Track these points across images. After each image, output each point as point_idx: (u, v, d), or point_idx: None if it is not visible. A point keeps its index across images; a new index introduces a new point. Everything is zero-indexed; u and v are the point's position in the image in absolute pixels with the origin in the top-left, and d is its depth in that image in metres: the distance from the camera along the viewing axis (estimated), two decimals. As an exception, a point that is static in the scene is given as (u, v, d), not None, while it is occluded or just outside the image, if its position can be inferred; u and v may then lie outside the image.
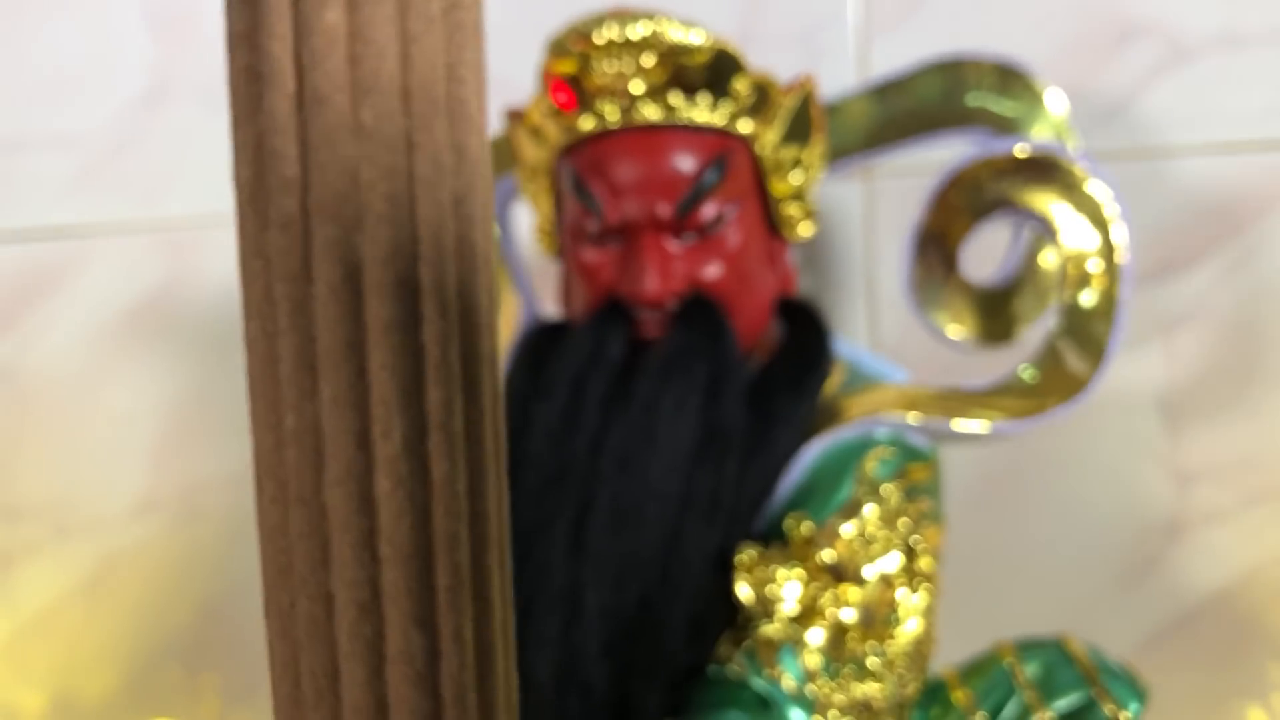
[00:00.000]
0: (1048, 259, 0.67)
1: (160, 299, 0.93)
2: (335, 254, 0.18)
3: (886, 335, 0.82)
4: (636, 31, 0.56)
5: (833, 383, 0.62)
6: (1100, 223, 0.61)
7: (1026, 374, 0.61)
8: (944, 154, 0.68)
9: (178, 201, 0.92)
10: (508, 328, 0.70)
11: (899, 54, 0.80)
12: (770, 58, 0.75)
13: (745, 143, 0.60)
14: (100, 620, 0.98)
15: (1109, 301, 0.60)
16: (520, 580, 0.56)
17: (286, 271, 0.19)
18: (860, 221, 0.83)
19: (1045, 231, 0.62)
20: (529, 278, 0.73)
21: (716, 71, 0.58)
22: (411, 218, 0.18)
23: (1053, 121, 0.67)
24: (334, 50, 0.18)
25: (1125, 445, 0.81)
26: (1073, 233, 0.61)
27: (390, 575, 0.18)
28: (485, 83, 0.20)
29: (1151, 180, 0.80)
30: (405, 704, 0.19)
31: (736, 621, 0.56)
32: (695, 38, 0.57)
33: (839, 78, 0.81)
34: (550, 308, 0.71)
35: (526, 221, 0.73)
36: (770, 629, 0.55)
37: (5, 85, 0.92)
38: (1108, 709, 0.56)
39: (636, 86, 0.57)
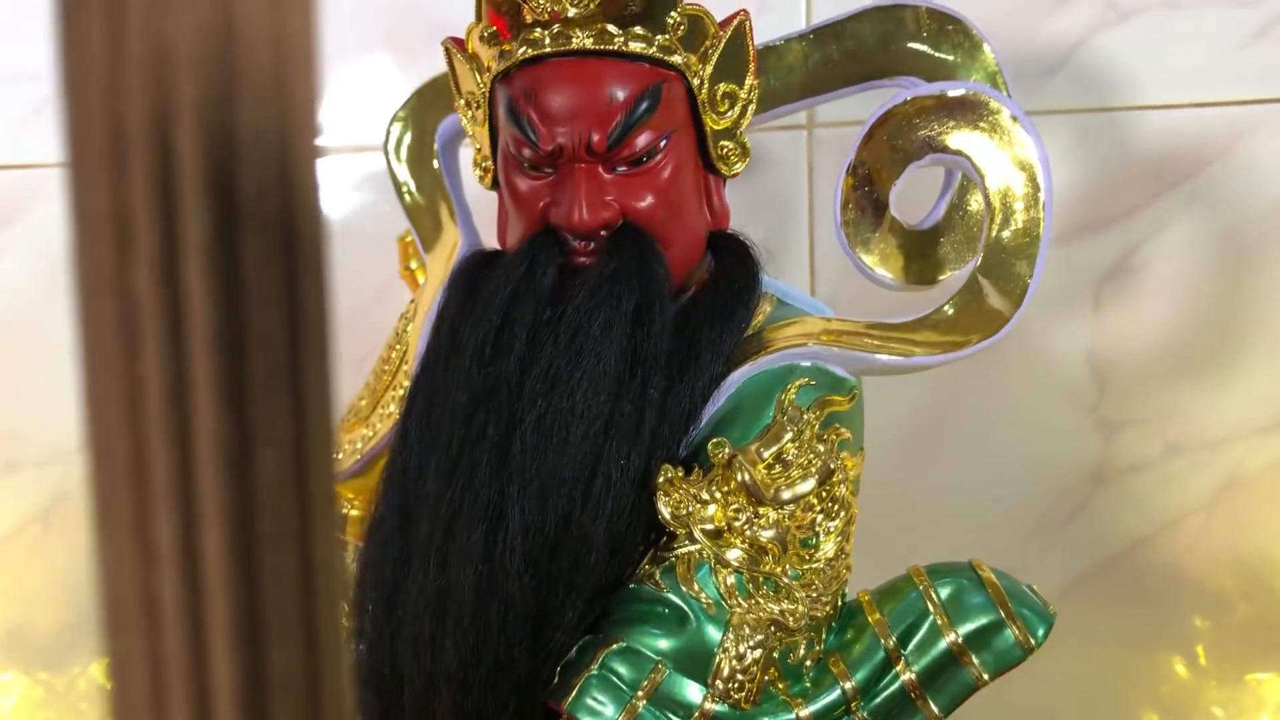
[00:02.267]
0: (977, 204, 0.69)
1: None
2: (146, 28, 0.19)
3: (826, 281, 0.84)
4: (571, -40, 0.57)
5: (760, 315, 0.63)
6: (1024, 165, 0.62)
7: (949, 309, 0.63)
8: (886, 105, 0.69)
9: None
10: (447, 260, 0.71)
11: (844, 6, 0.82)
12: (719, 7, 0.76)
13: (680, 74, 0.61)
14: (52, 552, 0.99)
15: (1031, 240, 0.62)
16: (446, 496, 0.58)
17: (97, 46, 0.19)
18: (805, 170, 0.85)
19: (972, 173, 0.64)
20: (470, 215, 0.74)
21: (652, 2, 0.59)
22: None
23: (987, 69, 0.68)
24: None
25: (1054, 394, 0.83)
26: (998, 173, 0.63)
27: (199, 361, 0.19)
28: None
29: (1086, 137, 0.82)
30: (214, 491, 0.20)
31: (657, 541, 0.58)
32: (631, -32, 0.58)
33: (788, 29, 0.82)
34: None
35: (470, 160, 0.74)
36: (689, 548, 0.57)
37: (-40, 17, 0.93)
38: (1014, 632, 0.58)
39: (571, 13, 0.58)
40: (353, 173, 0.90)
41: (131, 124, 0.19)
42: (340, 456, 0.76)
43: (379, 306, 0.85)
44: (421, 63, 0.77)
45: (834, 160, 0.84)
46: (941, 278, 0.69)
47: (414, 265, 0.78)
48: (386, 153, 0.75)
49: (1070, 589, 0.84)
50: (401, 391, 0.69)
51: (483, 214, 0.73)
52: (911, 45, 0.68)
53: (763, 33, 0.66)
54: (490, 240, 0.69)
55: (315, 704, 0.22)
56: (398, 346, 0.74)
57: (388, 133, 0.75)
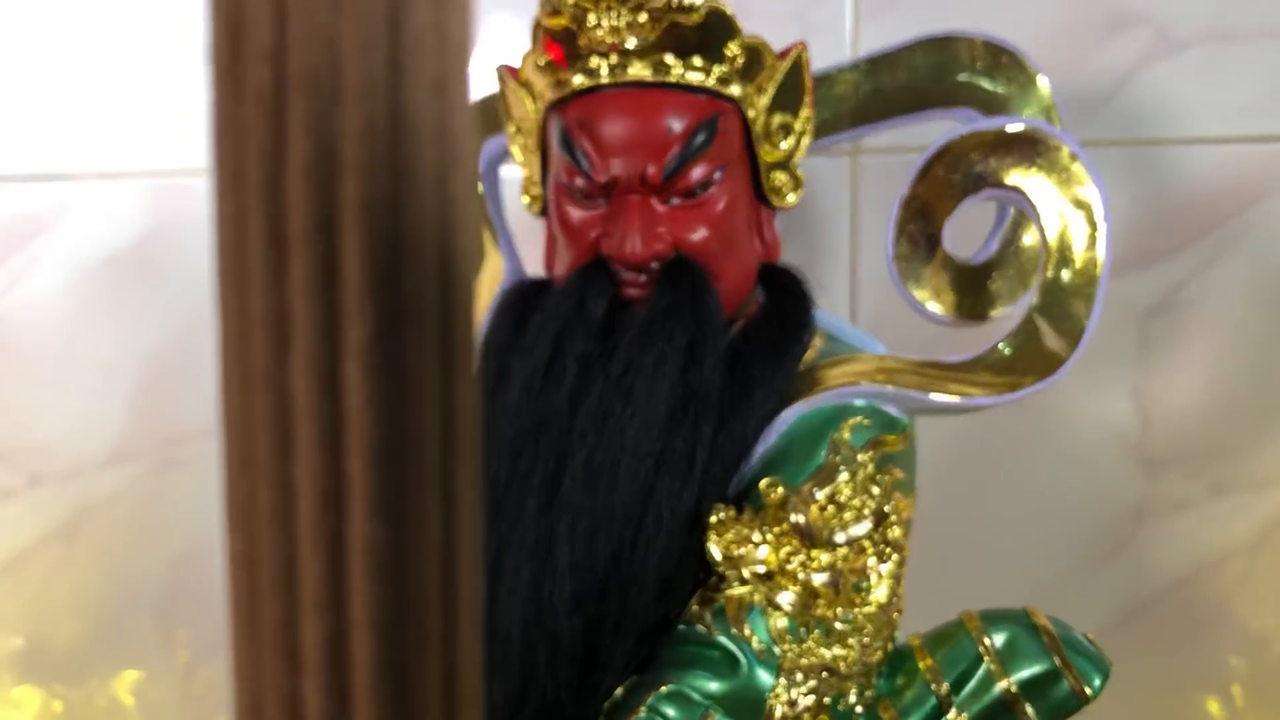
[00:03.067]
0: (1030, 239, 0.68)
1: (143, 247, 0.93)
2: (310, 128, 0.18)
3: (867, 312, 0.83)
4: (628, -11, 0.57)
5: (812, 351, 0.62)
6: (1082, 204, 0.61)
7: (1005, 349, 0.62)
8: (932, 132, 0.68)
9: (162, 149, 0.92)
10: (491, 288, 0.70)
11: (891, 34, 0.81)
12: (764, 31, 0.75)
13: (736, 106, 0.60)
14: (73, 568, 0.98)
15: (1089, 280, 0.61)
16: (494, 533, 0.56)
17: (259, 146, 0.19)
18: (848, 198, 0.84)
19: (1029, 210, 0.63)
20: (514, 239, 0.73)
21: (710, 33, 0.58)
22: (390, 96, 0.18)
23: (1041, 102, 0.67)
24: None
25: (1097, 430, 0.82)
26: (1056, 211, 0.62)
27: (355, 466, 0.18)
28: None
29: (1136, 170, 0.81)
30: (365, 598, 0.19)
31: (707, 581, 0.57)
32: (689, -1, 0.57)
33: (833, 56, 0.81)
34: (535, 271, 0.72)
35: (513, 184, 0.73)
36: (740, 590, 0.56)
37: (-4, 26, 0.92)
38: (1070, 682, 0.57)
39: (629, 44, 0.58)
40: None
41: (294, 225, 0.18)
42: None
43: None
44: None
45: (876, 187, 0.83)
46: (993, 314, 0.68)
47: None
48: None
49: (1109, 627, 0.83)
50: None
51: (524, 236, 0.72)
52: (965, 77, 0.67)
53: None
54: (532, 266, 0.68)
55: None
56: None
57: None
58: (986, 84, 0.67)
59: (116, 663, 0.98)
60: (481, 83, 0.73)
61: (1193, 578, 0.83)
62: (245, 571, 0.20)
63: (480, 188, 0.73)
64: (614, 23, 0.57)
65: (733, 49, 0.59)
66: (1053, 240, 0.62)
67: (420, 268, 0.19)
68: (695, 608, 0.56)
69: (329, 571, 0.19)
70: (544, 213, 0.64)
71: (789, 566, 0.56)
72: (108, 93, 0.92)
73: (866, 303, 0.84)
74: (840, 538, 0.56)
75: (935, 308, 0.67)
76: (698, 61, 0.58)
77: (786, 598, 0.56)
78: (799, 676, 0.55)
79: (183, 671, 0.98)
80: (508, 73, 0.63)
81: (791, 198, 0.63)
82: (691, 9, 0.57)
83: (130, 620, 0.97)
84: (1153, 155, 0.81)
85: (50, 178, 0.93)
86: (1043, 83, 0.67)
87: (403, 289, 0.18)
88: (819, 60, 0.69)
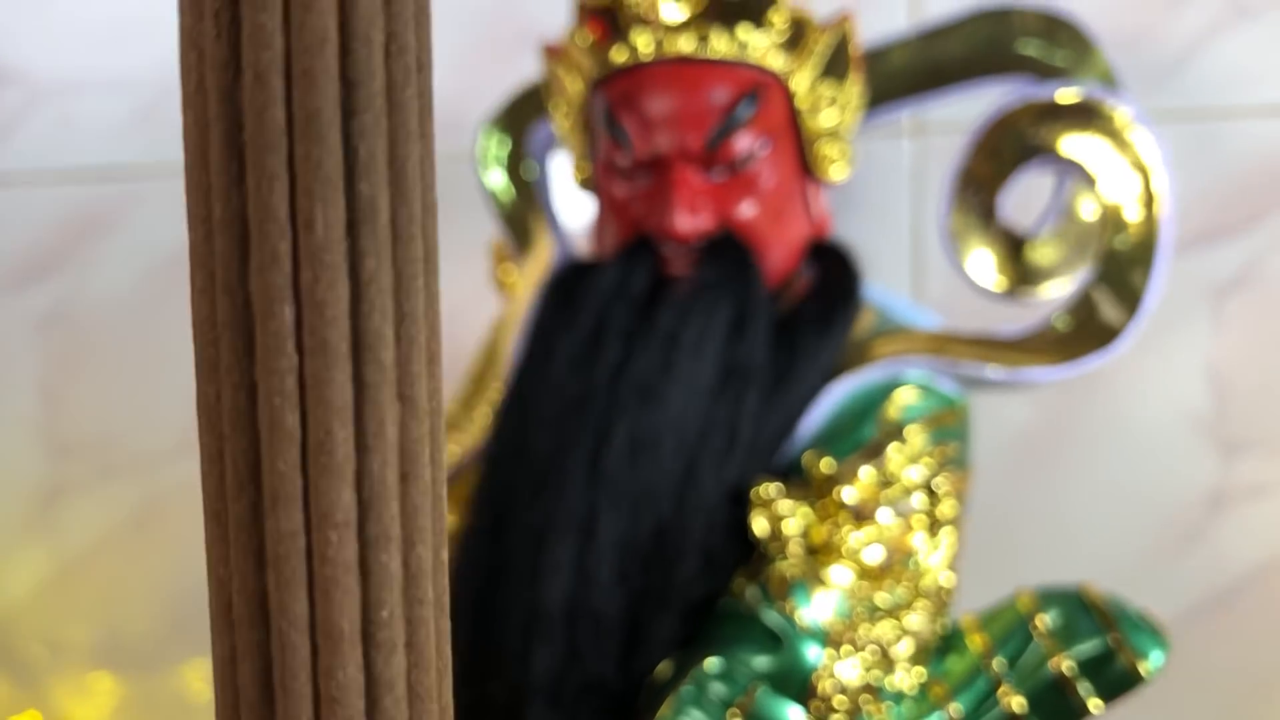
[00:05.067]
0: (1088, 209, 0.66)
1: (210, 241, 0.94)
2: (262, 41, 0.18)
3: (931, 291, 0.81)
4: (671, -39, 0.56)
5: (862, 325, 0.61)
6: (1141, 169, 0.59)
7: (1060, 322, 0.60)
8: (991, 104, 0.66)
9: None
10: (541, 268, 0.70)
11: (949, 2, 0.79)
12: (819, 4, 0.74)
13: (780, 79, 0.59)
14: (145, 558, 1.00)
15: (1147, 250, 0.59)
16: (537, 508, 0.56)
17: (216, 60, 0.19)
18: (908, 178, 0.82)
19: (1085, 179, 0.61)
20: (563, 223, 0.73)
21: (752, 6, 0.58)
22: (341, 8, 0.18)
23: (1101, 71, 0.65)
24: None
25: (1170, 413, 0.80)
26: (1112, 179, 0.60)
27: (312, 367, 0.18)
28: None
29: (1206, 142, 0.78)
30: (324, 497, 0.19)
31: (751, 556, 0.56)
32: (730, -31, 0.57)
33: (889, 19, 0.80)
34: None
35: (562, 168, 0.73)
36: (784, 565, 0.55)
37: (63, 29, 0.94)
38: (1125, 658, 0.55)
39: (671, 19, 0.57)
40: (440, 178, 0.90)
41: (250, 134, 0.18)
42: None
43: (467, 313, 0.85)
44: (512, 68, 0.76)
45: (938, 164, 0.82)
46: (1050, 285, 0.66)
47: (507, 272, 0.77)
48: (478, 161, 0.74)
49: (1183, 619, 0.80)
50: (490, 405, 0.68)
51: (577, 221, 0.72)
52: (1021, 49, 0.66)
53: (863, 30, 0.64)
54: (585, 248, 0.68)
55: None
56: (489, 355, 0.73)
57: (479, 141, 0.74)
58: (1044, 55, 0.66)
59: (189, 652, 1.00)
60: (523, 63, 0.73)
61: (1273, 566, 0.80)
62: (215, 472, 0.20)
63: (528, 172, 0.73)
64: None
65: (776, 21, 0.58)
66: (1109, 207, 0.60)
67: (372, 174, 0.18)
68: (739, 583, 0.56)
69: (291, 469, 0.19)
70: (590, 190, 0.64)
71: (834, 541, 0.55)
72: (176, 88, 0.93)
73: (931, 282, 0.82)
74: (887, 513, 0.55)
75: (991, 280, 0.65)
76: (740, 34, 0.58)
77: (832, 573, 0.54)
78: (846, 653, 0.54)
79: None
80: (553, 52, 0.63)
81: (840, 171, 0.62)
82: (733, -20, 0.56)
83: (200, 608, 0.99)
84: (1223, 127, 0.78)
85: (119, 175, 0.95)
86: (1101, 52, 0.65)
87: (356, 195, 0.18)
88: (875, 28, 0.68)
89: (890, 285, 0.81)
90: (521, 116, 0.74)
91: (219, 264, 0.19)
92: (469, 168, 0.76)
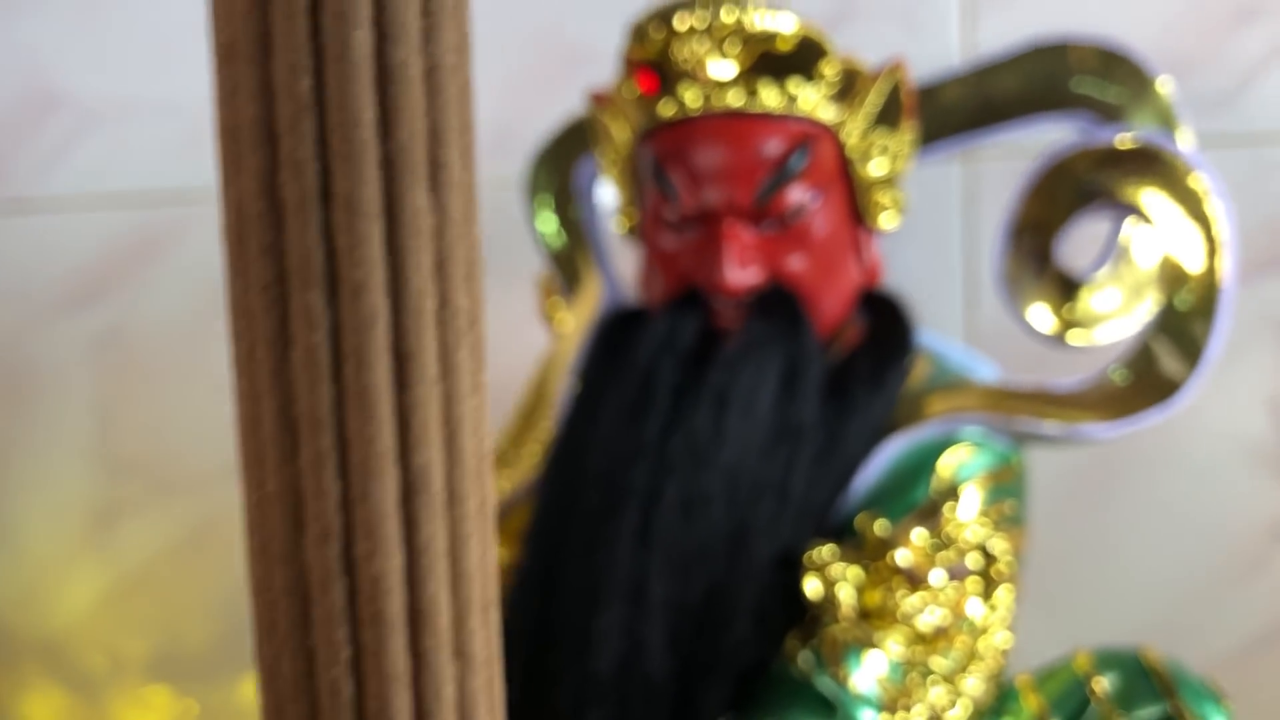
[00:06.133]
0: (1144, 253, 0.64)
1: (260, 265, 0.95)
2: (312, 321, 0.18)
3: (985, 323, 0.80)
4: (721, 17, 0.55)
5: (916, 376, 0.60)
6: (1202, 219, 0.58)
7: (1117, 375, 0.59)
8: (1049, 136, 0.65)
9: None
10: (589, 308, 0.69)
11: (1002, 29, 0.77)
12: (870, 33, 0.73)
13: (830, 130, 0.58)
14: (200, 573, 1.01)
15: (1209, 302, 0.58)
16: (586, 568, 0.56)
17: (266, 334, 0.18)
18: (959, 205, 0.81)
19: (1142, 226, 0.60)
20: (611, 260, 0.72)
21: (802, 57, 0.57)
22: (393, 285, 0.18)
23: (1159, 109, 0.63)
24: (306, 116, 0.18)
25: (1229, 444, 0.78)
26: (1172, 228, 0.59)
27: (368, 637, 0.18)
28: (473, 144, 0.20)
29: (1263, 170, 0.77)
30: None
31: (803, 619, 0.56)
32: (780, 24, 0.56)
33: (941, 53, 0.78)
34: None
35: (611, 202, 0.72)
36: (837, 629, 0.54)
37: (116, 52, 0.94)
38: (1186, 726, 0.54)
39: (719, 72, 0.56)
40: (486, 205, 0.90)
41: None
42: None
43: (514, 340, 0.84)
44: (561, 91, 0.76)
45: (991, 191, 0.80)
46: (1105, 331, 0.65)
47: (554, 306, 0.77)
48: (526, 197, 0.73)
49: (1244, 654, 0.79)
50: (539, 442, 0.68)
51: (624, 254, 0.71)
52: (1077, 85, 0.64)
53: (913, 60, 0.62)
54: (631, 287, 0.67)
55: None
56: (538, 393, 0.73)
57: (528, 178, 0.73)
58: (1100, 91, 0.64)
59: (241, 667, 1.01)
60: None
61: (1335, 598, 0.78)
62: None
63: (576, 207, 0.73)
64: (703, 54, 0.56)
65: (827, 73, 0.57)
66: (1168, 258, 0.59)
67: (427, 444, 0.18)
68: (791, 647, 0.55)
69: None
70: (636, 237, 0.63)
71: (889, 605, 0.54)
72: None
73: (985, 313, 0.81)
74: (944, 577, 0.55)
75: (1045, 325, 0.64)
76: (790, 87, 0.57)
77: (886, 638, 0.54)
78: (900, 716, 0.54)
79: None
80: (599, 101, 0.62)
81: (892, 219, 0.61)
82: (781, 36, 0.55)
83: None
84: (1283, 154, 0.76)
85: (170, 199, 0.96)
86: (1161, 87, 0.63)
87: (412, 466, 0.18)
88: (927, 58, 0.67)
89: (942, 313, 0.80)
90: (568, 152, 0.73)
91: (273, 535, 0.18)
92: (516, 195, 0.76)
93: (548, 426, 0.67)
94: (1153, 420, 0.57)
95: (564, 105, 0.74)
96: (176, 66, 0.94)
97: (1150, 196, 0.59)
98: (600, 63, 0.68)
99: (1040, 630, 0.61)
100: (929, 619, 0.54)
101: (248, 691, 1.03)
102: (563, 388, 0.67)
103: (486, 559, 0.19)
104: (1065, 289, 0.64)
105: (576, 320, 0.71)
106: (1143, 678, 0.55)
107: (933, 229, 0.82)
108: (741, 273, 0.57)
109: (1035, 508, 0.64)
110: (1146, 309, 0.61)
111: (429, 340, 0.18)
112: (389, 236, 0.18)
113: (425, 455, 0.18)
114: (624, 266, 0.73)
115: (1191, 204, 0.58)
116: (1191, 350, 0.58)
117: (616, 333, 0.62)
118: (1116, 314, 0.65)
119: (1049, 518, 0.70)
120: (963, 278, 0.82)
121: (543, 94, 0.87)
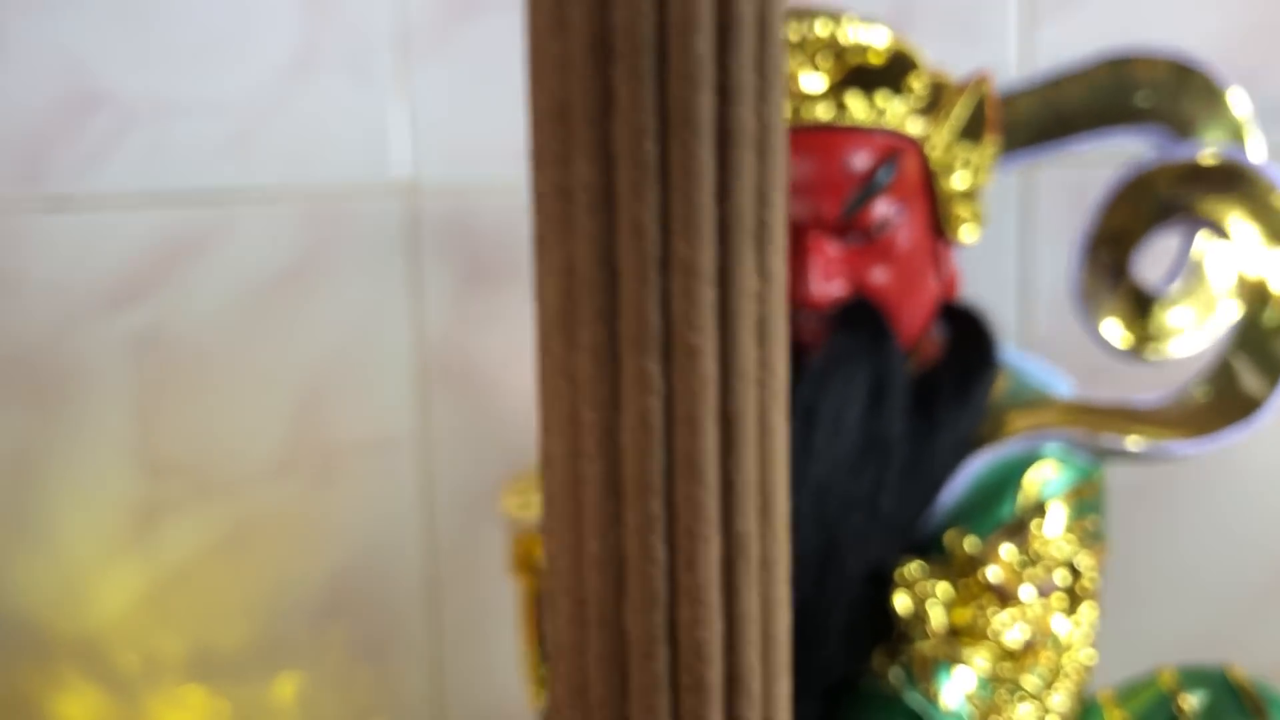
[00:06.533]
0: (1219, 269, 0.64)
1: (302, 267, 0.94)
2: (648, 387, 0.18)
3: (1040, 334, 0.80)
4: (812, 30, 0.55)
5: (997, 390, 0.60)
6: (1284, 237, 0.58)
7: (1198, 391, 0.59)
8: (1109, 146, 0.65)
9: (322, 171, 0.93)
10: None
11: (1061, 39, 0.78)
12: (927, 41, 0.73)
13: (916, 143, 0.58)
14: (238, 575, 1.00)
15: (1291, 319, 0.58)
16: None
17: (595, 398, 0.18)
18: (1015, 214, 0.81)
19: (1223, 244, 0.60)
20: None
21: (892, 71, 0.56)
22: (722, 351, 0.18)
23: (1232, 122, 0.64)
24: (649, 180, 0.18)
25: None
26: (1252, 244, 0.59)
27: (688, 704, 0.18)
28: (785, 202, 0.19)
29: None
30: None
31: (892, 635, 0.56)
32: (874, 37, 0.56)
33: (999, 63, 0.78)
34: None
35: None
36: (927, 645, 0.55)
37: (157, 51, 0.94)
38: (1275, 744, 0.54)
39: (809, 86, 0.56)
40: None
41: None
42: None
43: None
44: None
45: (1048, 201, 0.80)
46: (1181, 345, 0.65)
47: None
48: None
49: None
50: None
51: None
52: (1148, 99, 0.64)
53: (970, 66, 0.62)
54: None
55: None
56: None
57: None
58: (1170, 103, 0.64)
59: (278, 666, 1.01)
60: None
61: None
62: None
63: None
64: (795, 67, 0.55)
65: (915, 87, 0.57)
66: (1249, 275, 0.59)
67: (745, 510, 0.18)
68: (880, 663, 0.55)
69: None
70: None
71: (978, 622, 0.54)
72: (270, 113, 0.93)
73: (1041, 325, 0.81)
74: (1031, 591, 0.55)
75: (1120, 339, 0.64)
76: (879, 100, 0.57)
77: (975, 655, 0.54)
78: (989, 734, 0.54)
79: (341, 675, 1.00)
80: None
81: (971, 232, 0.61)
82: (872, 50, 0.55)
83: (291, 627, 1.00)
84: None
85: (212, 199, 0.95)
86: (1233, 99, 0.64)
87: (734, 533, 0.18)
88: (984, 67, 0.67)
89: (996, 324, 0.80)
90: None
91: (591, 599, 0.18)
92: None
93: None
94: (1234, 438, 0.58)
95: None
96: (218, 67, 0.93)
97: (1231, 213, 0.59)
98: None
99: (1106, 646, 0.61)
100: (1016, 635, 0.54)
101: (281, 692, 1.03)
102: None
103: (786, 624, 0.19)
104: (1139, 303, 0.64)
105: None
106: (1230, 695, 0.55)
107: (987, 238, 0.82)
108: (827, 286, 0.57)
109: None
110: (1217, 325, 0.62)
111: (750, 404, 0.18)
112: (721, 301, 0.18)
113: (745, 522, 0.18)
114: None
115: (1273, 222, 0.58)
116: (1272, 367, 0.58)
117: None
118: (1188, 329, 0.65)
119: (1113, 537, 0.71)
120: (1016, 287, 0.82)
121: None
